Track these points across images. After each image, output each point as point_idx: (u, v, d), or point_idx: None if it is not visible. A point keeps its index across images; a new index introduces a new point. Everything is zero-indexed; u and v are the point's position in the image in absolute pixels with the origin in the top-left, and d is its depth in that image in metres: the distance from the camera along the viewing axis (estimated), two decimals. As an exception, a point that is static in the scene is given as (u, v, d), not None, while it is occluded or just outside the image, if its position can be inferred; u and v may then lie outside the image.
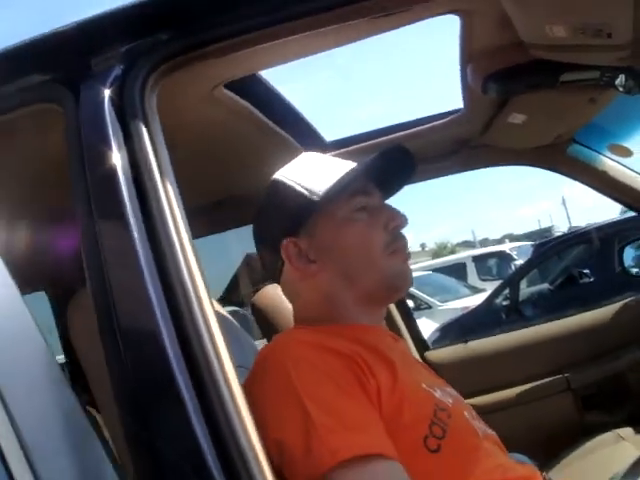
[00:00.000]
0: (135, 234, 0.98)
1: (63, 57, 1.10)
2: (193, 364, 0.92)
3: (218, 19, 1.07)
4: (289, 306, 2.04)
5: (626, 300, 2.63)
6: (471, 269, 14.41)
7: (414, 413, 1.15)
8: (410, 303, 11.10)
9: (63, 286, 2.23)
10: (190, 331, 0.93)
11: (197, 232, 2.40)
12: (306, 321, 1.34)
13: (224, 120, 1.60)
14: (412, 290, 11.63)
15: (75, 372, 1.73)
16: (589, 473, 1.69)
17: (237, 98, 1.55)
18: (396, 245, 1.31)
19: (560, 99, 1.87)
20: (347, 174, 1.29)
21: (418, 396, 1.19)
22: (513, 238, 37.26)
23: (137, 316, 0.95)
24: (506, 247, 16.45)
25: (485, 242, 43.58)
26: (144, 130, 1.02)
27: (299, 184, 1.31)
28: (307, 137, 2.05)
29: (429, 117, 2.23)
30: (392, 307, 2.59)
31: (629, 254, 3.15)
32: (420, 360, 1.51)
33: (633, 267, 3.15)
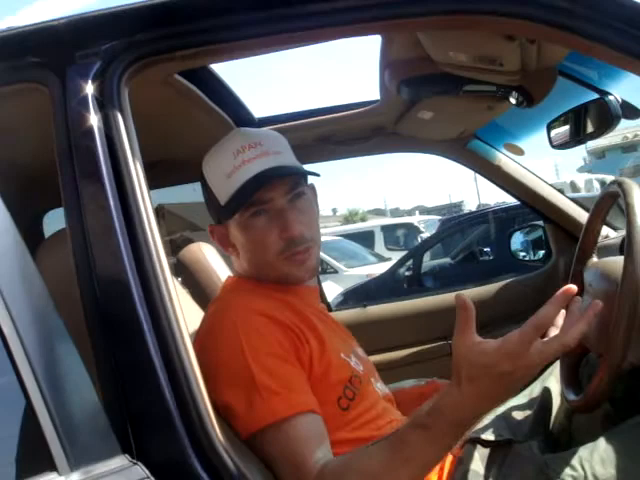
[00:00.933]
0: (109, 192, 1.20)
1: (53, 46, 1.30)
2: (152, 302, 1.16)
3: (190, 27, 1.28)
4: (212, 265, 2.30)
5: (508, 280, 2.98)
6: (379, 238, 14.74)
7: (334, 378, 1.40)
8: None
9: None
10: (150, 274, 1.17)
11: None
12: (241, 275, 1.57)
13: (170, 100, 1.82)
14: (320, 254, 11.88)
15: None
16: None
17: (185, 82, 1.76)
18: (289, 252, 1.43)
19: (462, 104, 2.16)
20: (241, 188, 1.41)
21: (338, 364, 1.43)
22: (424, 210, 37.92)
23: (109, 259, 1.18)
24: (414, 219, 16.83)
25: (396, 212, 44.17)
26: (119, 116, 1.24)
27: (212, 184, 1.48)
28: (239, 115, 2.28)
29: (349, 104, 2.51)
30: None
31: (518, 239, 3.48)
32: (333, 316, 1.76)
33: (520, 251, 3.48)
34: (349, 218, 40.42)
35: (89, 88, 1.26)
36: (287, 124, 2.50)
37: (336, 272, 11.56)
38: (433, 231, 11.67)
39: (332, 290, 8.86)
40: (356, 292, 8.31)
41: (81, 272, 1.19)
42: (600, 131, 1.97)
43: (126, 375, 1.15)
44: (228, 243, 1.53)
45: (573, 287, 1.07)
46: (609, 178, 6.41)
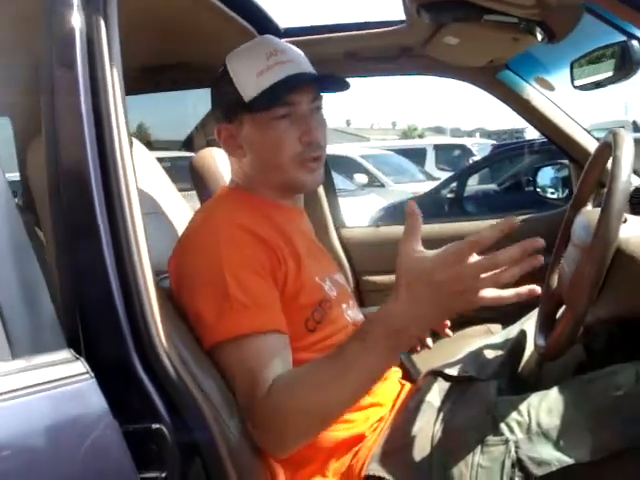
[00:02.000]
0: (82, 97, 1.20)
1: None
2: (112, 212, 1.19)
3: None
4: (222, 171, 2.31)
5: (527, 216, 2.95)
6: (431, 156, 14.60)
7: (305, 299, 1.44)
8: (364, 178, 11.35)
9: (27, 119, 2.43)
10: (113, 182, 1.19)
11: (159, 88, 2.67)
12: (236, 185, 1.59)
13: (186, 7, 1.81)
14: (368, 166, 11.83)
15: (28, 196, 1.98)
16: (448, 353, 1.93)
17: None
18: (304, 157, 1.46)
19: (487, 33, 2.08)
20: (273, 86, 1.43)
21: (312, 286, 1.47)
22: (484, 133, 37.23)
23: (75, 166, 1.20)
24: (469, 142, 16.60)
25: (457, 132, 43.52)
26: (102, 21, 1.23)
27: (238, 79, 1.47)
28: (263, 24, 2.26)
29: (376, 22, 2.46)
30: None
31: (547, 174, 3.39)
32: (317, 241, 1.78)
33: (548, 187, 3.40)
34: (407, 133, 40.04)
35: None
36: (313, 37, 2.47)
37: (382, 186, 11.54)
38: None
39: (375, 203, 8.87)
40: (396, 208, 8.27)
41: (50, 176, 1.22)
42: (619, 76, 1.91)
43: (81, 275, 1.19)
44: (235, 144, 1.52)
45: (515, 219, 1.11)
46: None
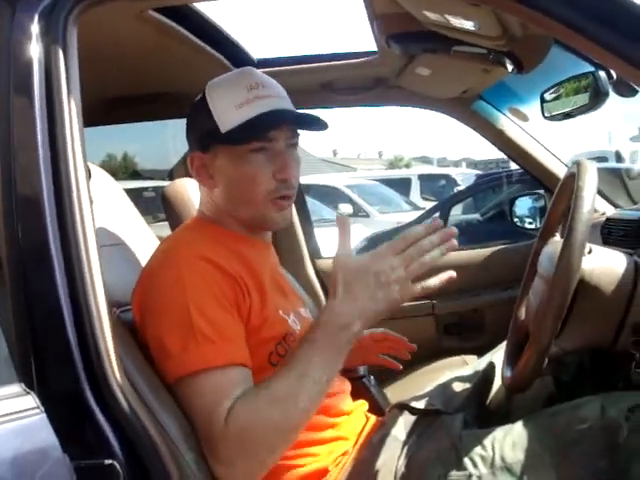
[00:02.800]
0: (38, 128, 1.21)
1: None
2: (66, 243, 1.18)
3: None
4: (195, 202, 2.30)
5: (504, 246, 2.95)
6: (415, 186, 14.63)
7: (269, 333, 1.42)
8: (349, 208, 11.36)
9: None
10: (67, 218, 1.18)
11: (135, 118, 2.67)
12: (204, 216, 1.57)
13: (154, 39, 1.82)
14: (353, 196, 11.87)
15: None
16: (420, 385, 1.92)
17: (165, 19, 1.75)
18: (277, 194, 1.45)
19: (457, 64, 2.10)
20: (252, 120, 1.41)
21: (275, 320, 1.45)
22: (471, 163, 37.40)
23: (31, 201, 1.20)
24: (454, 172, 16.68)
25: (443, 161, 43.68)
26: (61, 53, 1.24)
27: (216, 110, 1.44)
28: (236, 55, 2.26)
29: (348, 53, 2.47)
30: (293, 212, 2.84)
31: (525, 204, 3.39)
32: (290, 277, 1.79)
33: (526, 217, 3.40)
34: (394, 163, 40.19)
35: (35, 23, 1.26)
36: (288, 67, 2.47)
37: (367, 216, 11.56)
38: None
39: (360, 233, 8.86)
40: (380, 238, 8.24)
41: (5, 205, 1.21)
42: (588, 106, 1.91)
43: (34, 307, 1.17)
44: (207, 174, 1.50)
45: (440, 221, 1.29)
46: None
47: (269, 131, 1.43)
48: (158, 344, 1.32)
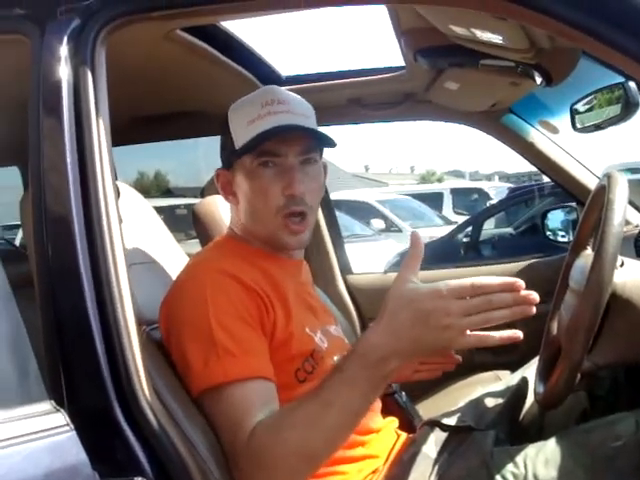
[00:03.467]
0: (68, 152, 1.23)
1: (36, 1, 1.32)
2: (95, 261, 1.19)
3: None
4: (225, 219, 2.31)
5: (535, 260, 2.93)
6: (447, 201, 14.57)
7: (296, 349, 1.42)
8: (381, 224, 11.34)
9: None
10: (97, 236, 1.20)
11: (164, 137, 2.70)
12: (233, 233, 1.59)
13: (183, 59, 1.83)
14: (385, 212, 11.85)
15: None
16: (452, 401, 1.90)
17: (193, 39, 1.77)
18: (287, 211, 1.45)
19: (486, 78, 2.09)
20: (258, 135, 1.43)
21: (302, 336, 1.45)
22: (503, 176, 37.31)
23: (61, 221, 1.21)
24: (486, 185, 16.62)
25: (475, 175, 43.58)
26: (89, 74, 1.26)
27: (232, 126, 1.50)
28: (263, 72, 2.28)
29: (376, 69, 2.47)
30: (323, 228, 2.85)
31: (557, 217, 3.35)
32: (321, 293, 1.78)
33: (559, 230, 3.35)
34: (426, 177, 40.17)
35: (64, 44, 1.28)
36: (315, 84, 2.48)
37: (400, 231, 11.51)
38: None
39: (392, 249, 8.84)
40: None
41: (36, 225, 1.23)
42: (618, 117, 1.89)
43: (64, 326, 1.19)
44: (230, 190, 1.54)
45: (520, 283, 1.08)
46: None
47: (274, 145, 1.44)
48: (182, 359, 1.34)
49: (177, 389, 1.31)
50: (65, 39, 1.28)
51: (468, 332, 1.10)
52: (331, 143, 1.50)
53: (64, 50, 1.27)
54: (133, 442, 1.14)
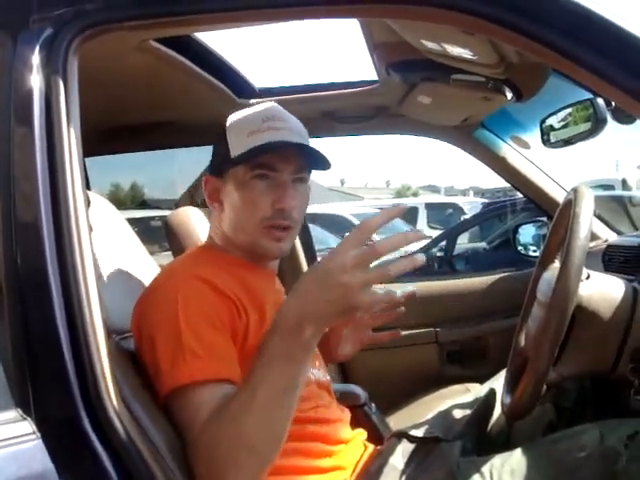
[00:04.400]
0: (38, 160, 1.22)
1: (10, 9, 1.33)
2: (64, 270, 1.19)
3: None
4: (198, 230, 2.32)
5: (506, 274, 2.95)
6: (422, 215, 14.60)
7: None
8: (356, 238, 11.40)
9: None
10: (66, 244, 1.19)
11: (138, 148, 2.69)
12: (212, 243, 1.59)
13: (155, 69, 1.84)
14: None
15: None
16: (422, 413, 1.90)
17: (166, 49, 1.77)
18: (272, 222, 1.47)
19: (457, 92, 2.11)
20: (258, 147, 1.44)
21: None
22: (478, 191, 37.42)
23: (30, 228, 1.20)
24: (460, 200, 16.69)
25: (450, 190, 43.77)
26: (61, 84, 1.25)
27: (230, 135, 1.51)
28: (238, 85, 2.29)
29: (350, 82, 2.50)
30: (296, 242, 2.84)
31: (528, 232, 3.38)
32: None
33: (530, 245, 3.38)
34: (401, 192, 40.33)
35: (37, 54, 1.28)
36: (289, 97, 2.49)
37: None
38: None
39: (366, 263, 8.83)
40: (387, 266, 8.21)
41: (4, 231, 1.22)
42: (587, 133, 1.93)
43: (31, 333, 1.18)
44: (216, 198, 1.55)
45: (403, 206, 1.17)
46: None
47: (271, 160, 1.46)
48: (152, 360, 1.34)
49: (145, 398, 1.30)
50: (37, 48, 1.28)
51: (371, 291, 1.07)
52: (326, 166, 1.52)
53: (36, 59, 1.27)
54: (100, 451, 1.13)
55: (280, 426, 1.21)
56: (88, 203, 1.29)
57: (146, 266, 1.85)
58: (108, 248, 1.63)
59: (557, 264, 1.69)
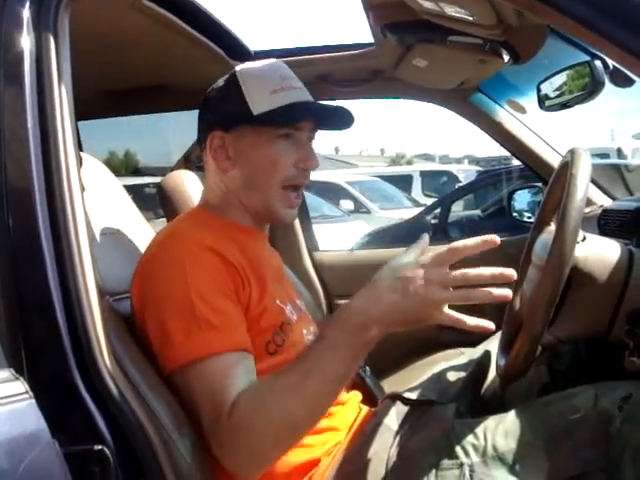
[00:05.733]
0: (29, 116, 1.21)
1: None
2: (56, 230, 1.18)
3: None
4: (192, 194, 2.30)
5: (501, 239, 2.94)
6: (417, 183, 14.63)
7: (267, 322, 1.41)
8: (350, 205, 11.35)
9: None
10: (58, 205, 1.18)
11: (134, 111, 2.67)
12: (207, 205, 1.57)
13: (149, 30, 1.82)
14: (354, 193, 11.86)
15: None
16: (417, 377, 1.91)
17: (160, 10, 1.74)
18: (294, 181, 1.48)
19: (454, 55, 2.09)
20: (288, 106, 1.43)
21: (273, 309, 1.44)
22: (473, 160, 37.40)
23: (22, 188, 1.20)
24: (455, 168, 16.70)
25: (445, 158, 43.67)
26: (52, 41, 1.24)
27: (249, 92, 1.46)
28: (233, 48, 2.26)
29: (345, 45, 2.47)
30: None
31: (524, 198, 3.38)
32: (288, 270, 1.79)
33: (525, 211, 3.38)
34: (396, 160, 40.26)
35: (26, 9, 1.26)
36: (283, 59, 2.46)
37: (369, 212, 11.55)
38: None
39: (361, 230, 8.85)
40: (381, 235, 8.26)
41: None
42: (584, 96, 1.91)
43: (24, 293, 1.18)
44: (225, 154, 1.50)
45: (495, 239, 1.15)
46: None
47: (300, 120, 1.46)
48: (160, 331, 1.32)
49: (140, 360, 1.30)
50: (27, 4, 1.26)
51: (447, 310, 1.16)
52: (349, 123, 1.55)
53: (26, 15, 1.25)
54: (94, 410, 1.14)
55: (323, 412, 1.28)
56: (80, 164, 1.27)
57: (139, 227, 1.84)
58: (101, 209, 1.61)
59: (553, 227, 1.69)
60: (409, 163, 34.51)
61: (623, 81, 1.90)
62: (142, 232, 1.81)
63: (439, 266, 1.14)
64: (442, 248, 1.15)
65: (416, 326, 1.19)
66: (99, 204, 1.59)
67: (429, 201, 12.17)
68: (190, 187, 2.33)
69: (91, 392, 1.14)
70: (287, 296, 1.55)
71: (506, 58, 2.01)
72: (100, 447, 1.12)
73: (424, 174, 15.12)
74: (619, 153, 12.49)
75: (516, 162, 3.29)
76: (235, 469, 1.27)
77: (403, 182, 14.29)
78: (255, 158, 1.47)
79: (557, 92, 2.05)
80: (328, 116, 1.53)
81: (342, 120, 1.54)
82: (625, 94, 1.98)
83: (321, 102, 1.52)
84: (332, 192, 11.28)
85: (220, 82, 1.54)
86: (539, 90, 2.12)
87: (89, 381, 1.14)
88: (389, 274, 1.17)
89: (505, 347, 1.58)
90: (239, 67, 1.54)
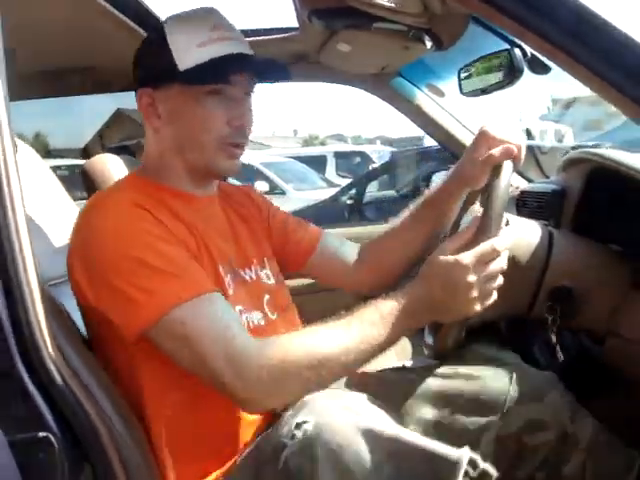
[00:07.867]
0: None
1: None
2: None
3: None
4: (115, 177, 2.28)
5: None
6: (331, 164, 14.69)
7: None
8: (265, 186, 11.32)
9: None
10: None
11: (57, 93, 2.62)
12: (143, 169, 1.50)
13: (73, 9, 1.78)
14: (269, 174, 11.84)
15: None
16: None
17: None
18: (230, 140, 1.41)
19: (378, 41, 2.12)
20: (214, 61, 1.35)
21: (212, 275, 1.37)
22: (385, 140, 37.74)
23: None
24: (368, 149, 16.83)
25: (358, 139, 44.04)
26: None
27: (175, 46, 1.38)
28: (145, 21, 2.19)
29: (269, 29, 2.48)
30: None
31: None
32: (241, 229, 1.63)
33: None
34: (309, 141, 40.34)
35: None
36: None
37: (284, 193, 11.55)
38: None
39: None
40: (297, 215, 8.24)
41: None
42: (503, 83, 1.98)
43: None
44: (155, 112, 1.43)
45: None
46: (565, 129, 6.42)
47: (230, 75, 1.38)
48: (120, 298, 1.26)
49: (80, 347, 1.30)
50: None
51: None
52: (286, 76, 1.57)
53: None
54: (37, 398, 1.14)
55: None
56: (15, 149, 1.26)
57: (69, 212, 1.83)
58: (31, 194, 1.59)
59: (477, 207, 1.74)
60: (322, 144, 34.59)
61: (540, 68, 1.98)
62: (71, 216, 1.79)
63: (483, 266, 1.28)
64: (486, 246, 1.28)
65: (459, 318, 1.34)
66: (31, 190, 1.57)
67: (343, 182, 12.26)
68: (114, 171, 2.33)
69: (34, 380, 1.14)
70: (243, 258, 1.52)
71: (429, 45, 2.05)
72: (45, 434, 1.12)
73: (338, 155, 15.17)
74: (528, 134, 12.83)
75: (428, 143, 3.37)
76: (257, 400, 1.27)
77: (317, 163, 14.33)
78: (185, 117, 1.41)
79: (477, 78, 2.11)
80: (261, 69, 1.47)
81: (278, 73, 1.53)
82: (532, 78, 2.05)
83: (252, 55, 1.45)
84: (247, 173, 11.24)
85: (150, 35, 1.49)
86: (459, 76, 2.18)
87: (31, 369, 1.14)
88: (438, 273, 1.30)
89: (432, 328, 1.63)
90: (168, 17, 1.45)
